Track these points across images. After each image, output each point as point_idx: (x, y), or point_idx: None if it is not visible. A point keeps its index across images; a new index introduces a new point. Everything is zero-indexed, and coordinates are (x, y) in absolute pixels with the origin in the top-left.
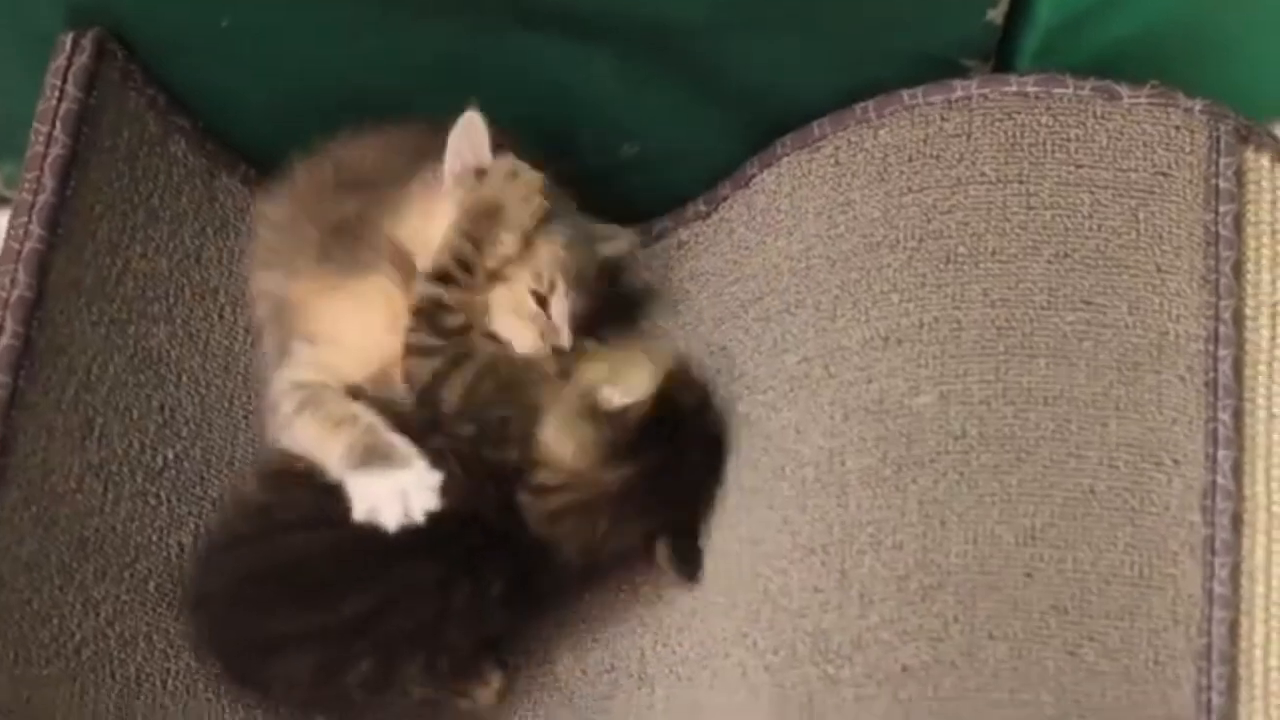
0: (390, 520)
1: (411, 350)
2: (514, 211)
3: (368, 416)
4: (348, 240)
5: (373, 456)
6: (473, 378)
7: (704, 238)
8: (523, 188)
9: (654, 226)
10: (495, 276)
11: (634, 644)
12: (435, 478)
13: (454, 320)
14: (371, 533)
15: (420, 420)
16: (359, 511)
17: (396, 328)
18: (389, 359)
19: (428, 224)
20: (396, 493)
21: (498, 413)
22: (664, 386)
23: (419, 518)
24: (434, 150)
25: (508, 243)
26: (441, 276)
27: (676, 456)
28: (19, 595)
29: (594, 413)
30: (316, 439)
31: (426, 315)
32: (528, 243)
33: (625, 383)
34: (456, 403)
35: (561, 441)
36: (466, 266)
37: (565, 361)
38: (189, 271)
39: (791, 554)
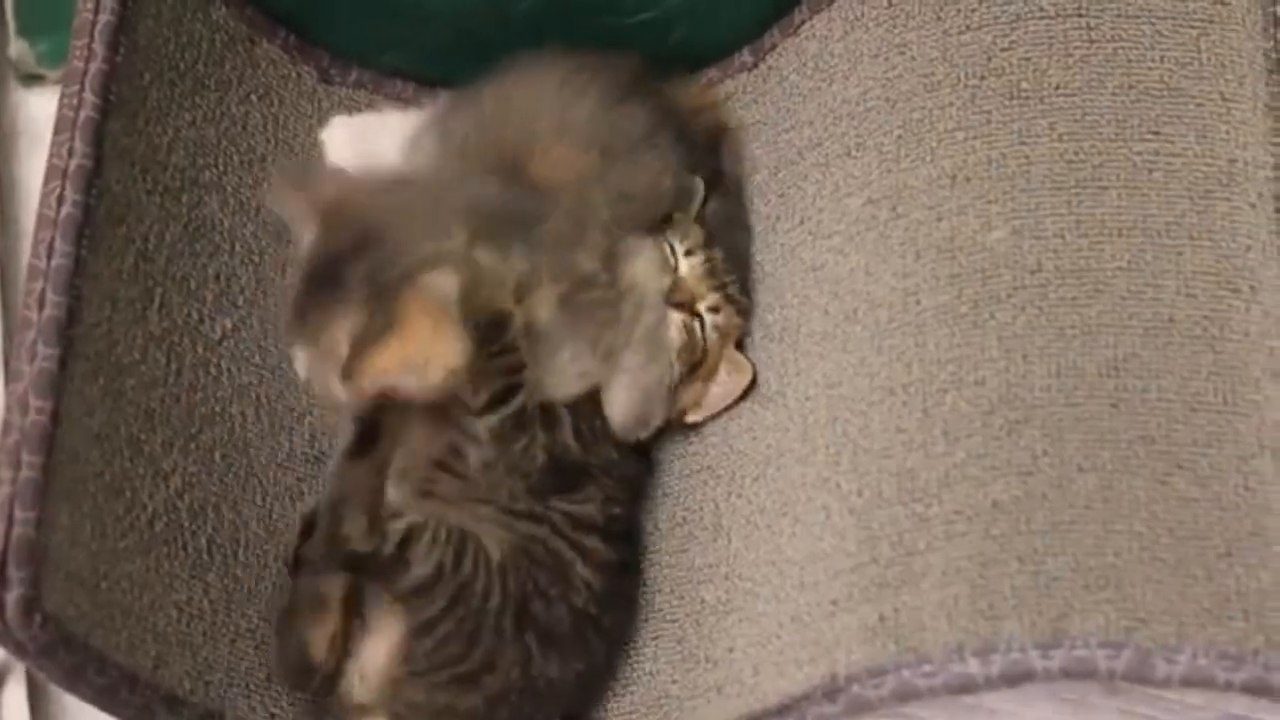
0: None
1: None
2: None
3: None
4: None
5: None
6: None
7: (752, 87)
8: None
9: (701, 78)
10: None
11: (706, 496)
12: None
13: None
14: None
15: None
16: None
17: None
18: None
19: None
20: None
21: None
22: None
23: None
24: None
25: None
26: None
27: None
28: (92, 468)
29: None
30: None
31: None
32: None
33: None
34: None
35: None
36: None
37: None
38: (236, 139)
39: (870, 395)
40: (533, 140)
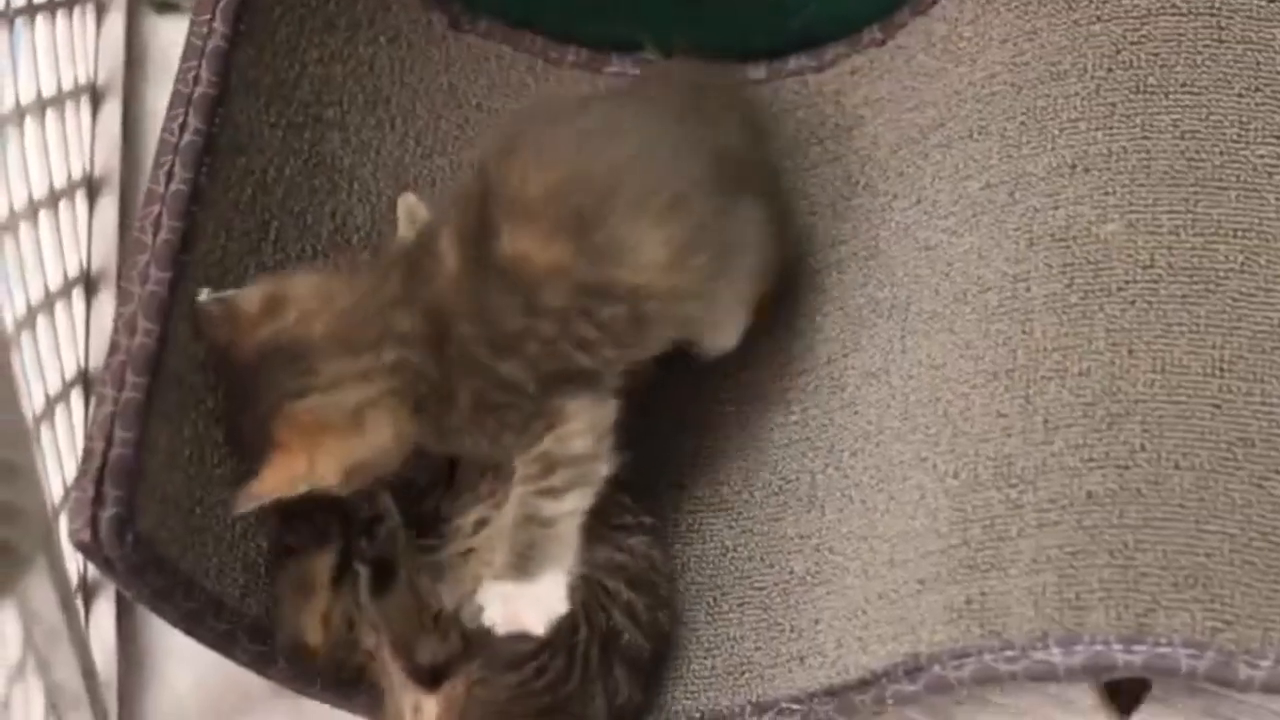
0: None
1: None
2: None
3: None
4: None
5: None
6: None
7: (880, 64)
8: None
9: (828, 52)
10: None
11: (803, 467)
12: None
13: None
14: None
15: None
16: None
17: None
18: None
19: None
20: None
21: None
22: None
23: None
24: None
25: None
26: None
27: None
28: (195, 394)
29: None
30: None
31: None
32: None
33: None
34: None
35: None
36: None
37: None
38: (362, 80)
39: (974, 379)
40: (513, 206)
